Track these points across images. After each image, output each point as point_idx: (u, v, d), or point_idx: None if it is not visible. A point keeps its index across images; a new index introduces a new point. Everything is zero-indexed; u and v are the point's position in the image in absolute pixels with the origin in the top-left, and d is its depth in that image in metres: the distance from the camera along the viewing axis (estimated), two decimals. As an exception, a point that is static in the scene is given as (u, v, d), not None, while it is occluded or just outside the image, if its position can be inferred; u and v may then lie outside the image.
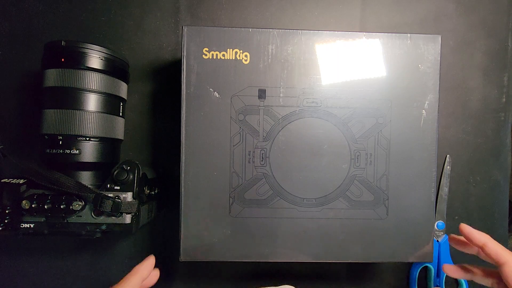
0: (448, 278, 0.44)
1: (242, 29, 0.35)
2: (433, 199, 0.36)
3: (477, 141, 0.45)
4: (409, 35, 0.36)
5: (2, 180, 0.32)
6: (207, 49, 0.34)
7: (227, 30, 0.35)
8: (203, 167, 0.35)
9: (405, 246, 0.36)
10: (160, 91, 0.44)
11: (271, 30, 0.35)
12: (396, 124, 0.36)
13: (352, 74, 0.35)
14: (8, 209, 0.31)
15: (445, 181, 0.44)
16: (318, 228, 0.36)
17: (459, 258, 0.41)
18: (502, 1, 0.45)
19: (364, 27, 0.45)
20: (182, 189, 0.35)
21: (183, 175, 0.35)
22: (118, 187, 0.32)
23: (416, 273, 0.44)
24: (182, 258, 0.35)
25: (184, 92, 0.34)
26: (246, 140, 0.35)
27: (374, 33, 0.36)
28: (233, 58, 0.34)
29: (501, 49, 0.45)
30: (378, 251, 0.36)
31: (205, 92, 0.34)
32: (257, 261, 0.36)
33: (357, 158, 0.36)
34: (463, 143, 0.45)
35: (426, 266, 0.44)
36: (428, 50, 0.36)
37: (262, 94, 0.35)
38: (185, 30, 0.34)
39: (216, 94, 0.34)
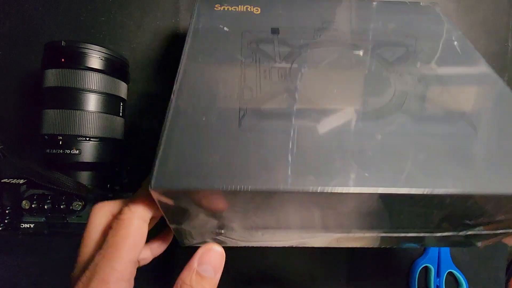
0: (448, 278, 0.44)
1: None
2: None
3: (477, 141, 0.45)
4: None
5: (2, 180, 0.32)
6: (218, 4, 0.34)
7: None
8: (204, 84, 0.26)
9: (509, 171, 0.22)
10: (160, 91, 0.44)
11: None
12: (429, 55, 0.31)
13: (365, 16, 0.35)
14: (8, 209, 0.31)
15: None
16: (382, 146, 0.22)
17: (458, 258, 0.41)
18: (502, 1, 0.45)
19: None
20: (172, 102, 0.25)
21: (175, 92, 0.26)
22: (118, 187, 0.32)
23: (416, 273, 0.44)
24: (153, 185, 0.19)
25: (192, 28, 0.31)
26: (260, 62, 0.28)
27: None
28: (244, 10, 0.34)
29: (501, 49, 0.45)
30: (477, 177, 0.21)
31: (214, 27, 0.32)
32: (272, 191, 0.20)
33: (400, 76, 0.28)
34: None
35: (426, 266, 0.44)
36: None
37: (275, 30, 0.33)
38: None
39: (225, 28, 0.32)
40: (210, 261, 0.22)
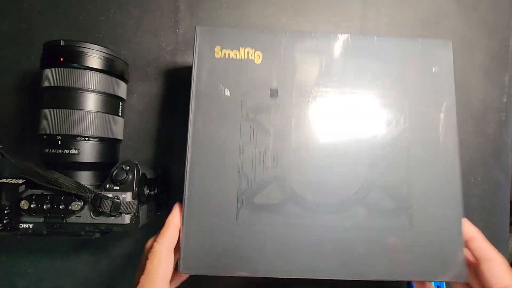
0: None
1: (255, 30, 0.35)
2: (461, 209, 0.33)
3: (478, 141, 0.45)
4: (420, 40, 0.35)
5: (0, 180, 0.32)
6: (219, 47, 0.34)
7: (240, 30, 0.35)
8: (209, 168, 0.32)
9: (433, 262, 0.32)
10: (160, 91, 0.43)
11: (284, 32, 0.34)
12: (414, 128, 0.34)
13: (365, 76, 0.35)
14: (6, 209, 0.31)
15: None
16: (335, 239, 0.32)
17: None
18: (503, 1, 0.45)
19: (365, 27, 0.44)
20: (186, 191, 0.32)
21: (188, 175, 0.32)
22: (117, 187, 0.32)
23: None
24: (182, 270, 0.31)
25: (194, 89, 0.33)
26: (257, 140, 0.33)
27: (386, 37, 0.35)
28: (245, 57, 0.34)
29: (502, 49, 0.45)
30: (403, 267, 0.32)
31: (215, 90, 0.33)
32: (267, 276, 0.31)
33: (375, 162, 0.33)
34: (464, 143, 0.45)
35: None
36: (440, 53, 0.35)
37: (274, 93, 0.34)
38: (198, 29, 0.34)
39: (227, 91, 0.33)
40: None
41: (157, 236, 0.31)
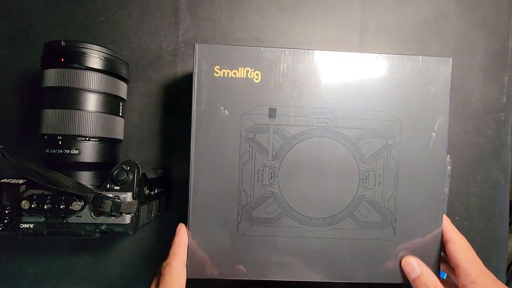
0: (448, 278, 0.43)
1: (254, 47, 0.34)
2: (441, 221, 0.36)
3: (478, 141, 0.45)
4: (420, 57, 0.35)
5: (1, 180, 0.32)
6: (218, 67, 0.34)
7: (239, 48, 0.34)
8: (212, 185, 0.34)
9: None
10: (160, 91, 0.43)
11: (283, 49, 0.35)
12: (406, 146, 0.35)
13: (362, 95, 0.35)
14: (7, 209, 0.31)
15: (445, 181, 0.44)
16: (326, 248, 0.35)
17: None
18: (503, 1, 0.45)
19: (364, 28, 0.45)
20: (190, 206, 0.34)
21: (191, 192, 0.34)
22: (118, 187, 0.32)
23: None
24: (189, 275, 0.34)
25: (195, 110, 0.34)
26: (255, 159, 0.35)
27: (385, 54, 0.35)
28: (244, 76, 0.34)
29: (502, 49, 0.45)
30: (385, 272, 0.36)
31: (215, 110, 0.34)
32: (264, 279, 0.35)
33: (366, 179, 0.35)
34: (464, 143, 0.45)
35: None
36: (439, 72, 0.35)
37: (272, 113, 0.34)
38: (197, 47, 0.34)
39: (226, 112, 0.34)
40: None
41: (169, 256, 0.34)
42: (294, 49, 0.35)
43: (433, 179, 0.36)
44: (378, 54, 0.35)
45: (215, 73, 0.34)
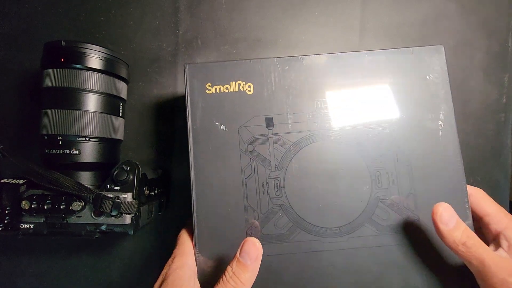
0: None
1: (243, 61, 0.34)
2: (469, 214, 0.33)
3: (478, 141, 0.45)
4: (411, 48, 0.35)
5: (1, 180, 0.32)
6: (210, 84, 0.34)
7: (228, 63, 0.34)
8: (215, 204, 0.33)
9: (448, 272, 0.32)
10: (160, 91, 0.43)
11: (272, 59, 0.34)
12: (413, 139, 0.34)
13: (359, 93, 0.34)
14: (7, 210, 0.31)
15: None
16: (347, 261, 0.32)
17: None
18: (503, 1, 0.45)
19: (364, 27, 0.45)
20: (196, 231, 0.32)
21: (195, 215, 0.32)
22: (118, 188, 0.32)
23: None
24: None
25: (191, 128, 0.33)
26: (258, 171, 0.33)
27: (375, 51, 0.35)
28: (237, 90, 0.34)
29: (502, 49, 0.45)
30: (423, 281, 0.32)
31: (211, 126, 0.33)
32: None
33: (378, 178, 0.33)
34: (463, 143, 0.44)
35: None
36: (433, 61, 0.35)
37: (269, 122, 0.34)
38: (187, 68, 0.34)
39: (223, 127, 0.33)
40: (247, 250, 0.29)
41: (175, 252, 0.32)
42: (283, 58, 0.34)
43: (450, 170, 0.33)
44: (369, 51, 0.35)
45: (207, 90, 0.34)
